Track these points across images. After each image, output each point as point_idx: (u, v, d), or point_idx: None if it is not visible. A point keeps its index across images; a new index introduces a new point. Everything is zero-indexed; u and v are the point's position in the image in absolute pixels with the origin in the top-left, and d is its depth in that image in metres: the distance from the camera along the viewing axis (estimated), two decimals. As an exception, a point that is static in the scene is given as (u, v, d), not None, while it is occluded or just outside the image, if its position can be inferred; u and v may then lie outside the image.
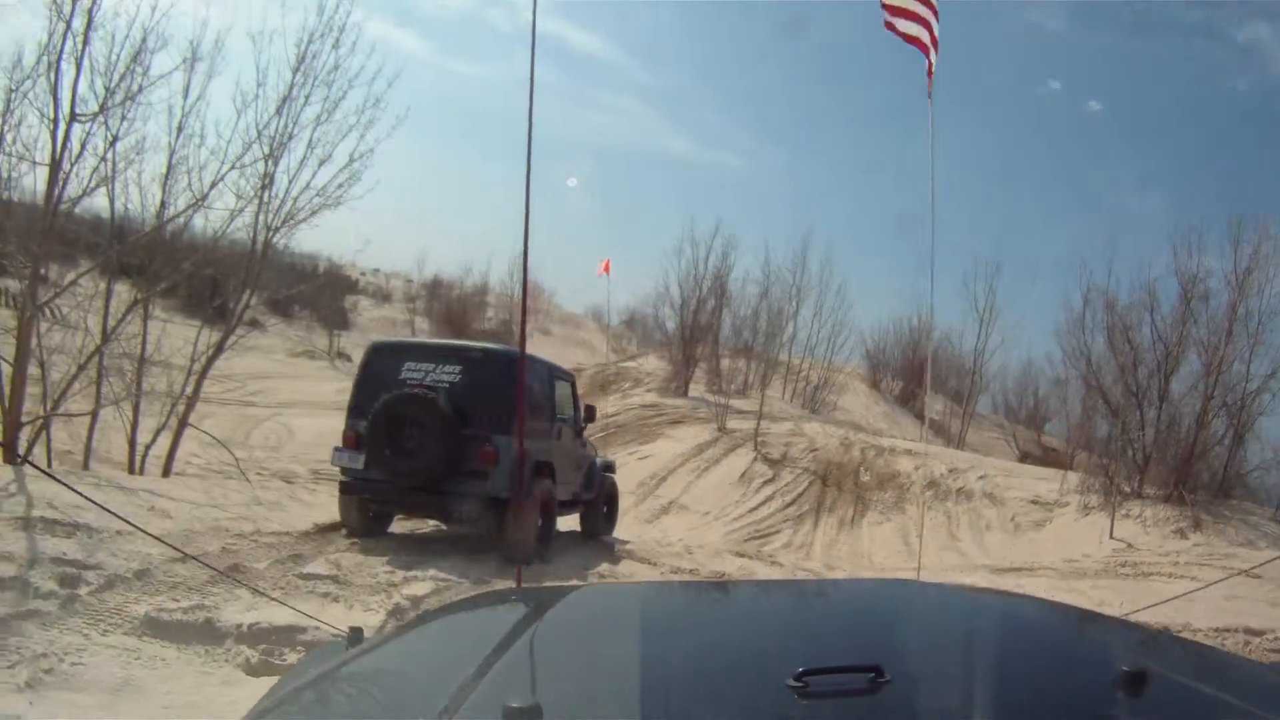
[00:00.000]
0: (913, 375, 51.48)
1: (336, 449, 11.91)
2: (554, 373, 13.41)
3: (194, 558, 8.71)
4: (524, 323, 8.05)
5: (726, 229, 54.02)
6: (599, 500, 14.85)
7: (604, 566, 12.89)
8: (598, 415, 15.86)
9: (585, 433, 14.61)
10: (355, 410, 11.78)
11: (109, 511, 7.86)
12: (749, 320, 42.53)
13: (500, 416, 11.12)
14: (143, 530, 8.12)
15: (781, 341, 43.43)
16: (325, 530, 11.85)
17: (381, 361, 11.99)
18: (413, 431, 11.08)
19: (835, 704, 1.82)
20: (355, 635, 2.83)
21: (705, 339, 42.00)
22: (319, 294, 46.37)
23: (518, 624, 2.45)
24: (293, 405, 35.24)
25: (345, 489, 11.80)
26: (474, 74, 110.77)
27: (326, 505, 13.40)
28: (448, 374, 11.47)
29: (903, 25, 10.46)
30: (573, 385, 14.14)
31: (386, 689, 2.26)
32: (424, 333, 51.03)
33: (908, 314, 53.38)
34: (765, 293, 42.54)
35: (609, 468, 15.66)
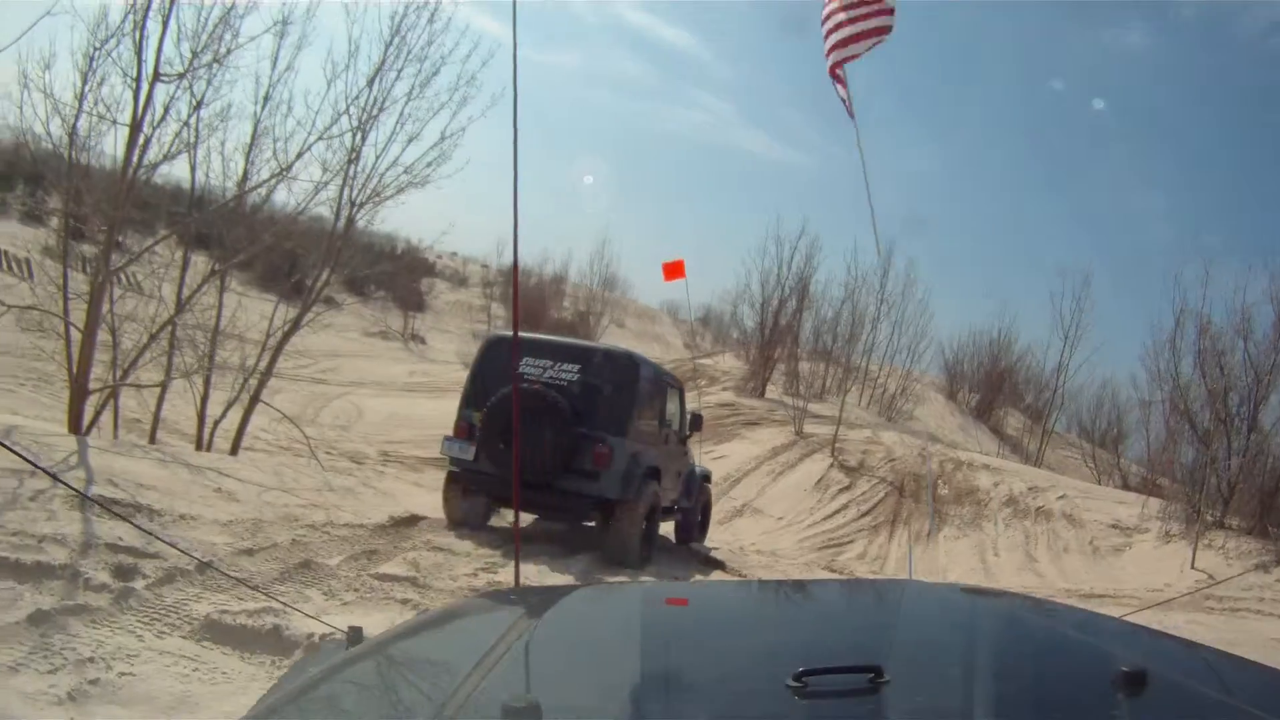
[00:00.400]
0: (991, 389, 50.79)
1: (447, 438, 11.81)
2: (664, 378, 13.21)
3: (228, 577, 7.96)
4: (516, 312, 7.41)
5: (812, 229, 52.98)
6: (695, 509, 14.52)
7: (695, 578, 12.23)
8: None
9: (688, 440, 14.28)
10: (469, 401, 11.82)
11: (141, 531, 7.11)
12: (830, 324, 41.90)
13: (616, 418, 11.26)
14: (173, 543, 7.34)
15: (863, 347, 42.67)
16: (401, 524, 11.11)
17: (499, 355, 11.79)
18: (529, 428, 10.75)
19: (835, 704, 1.79)
20: (355, 635, 2.76)
21: (785, 340, 41.19)
22: (396, 275, 46.10)
23: (518, 624, 2.43)
24: (364, 385, 35.25)
25: (453, 479, 11.74)
26: (555, 63, 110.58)
27: (402, 494, 12.88)
28: (566, 372, 11.41)
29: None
30: (681, 392, 14.03)
31: (386, 689, 2.26)
32: (500, 320, 50.82)
33: (988, 326, 52.58)
34: (851, 295, 41.71)
35: (706, 477, 15.42)
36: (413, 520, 11.27)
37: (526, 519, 12.68)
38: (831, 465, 28.15)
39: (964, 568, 21.43)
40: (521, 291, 50.97)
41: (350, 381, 34.65)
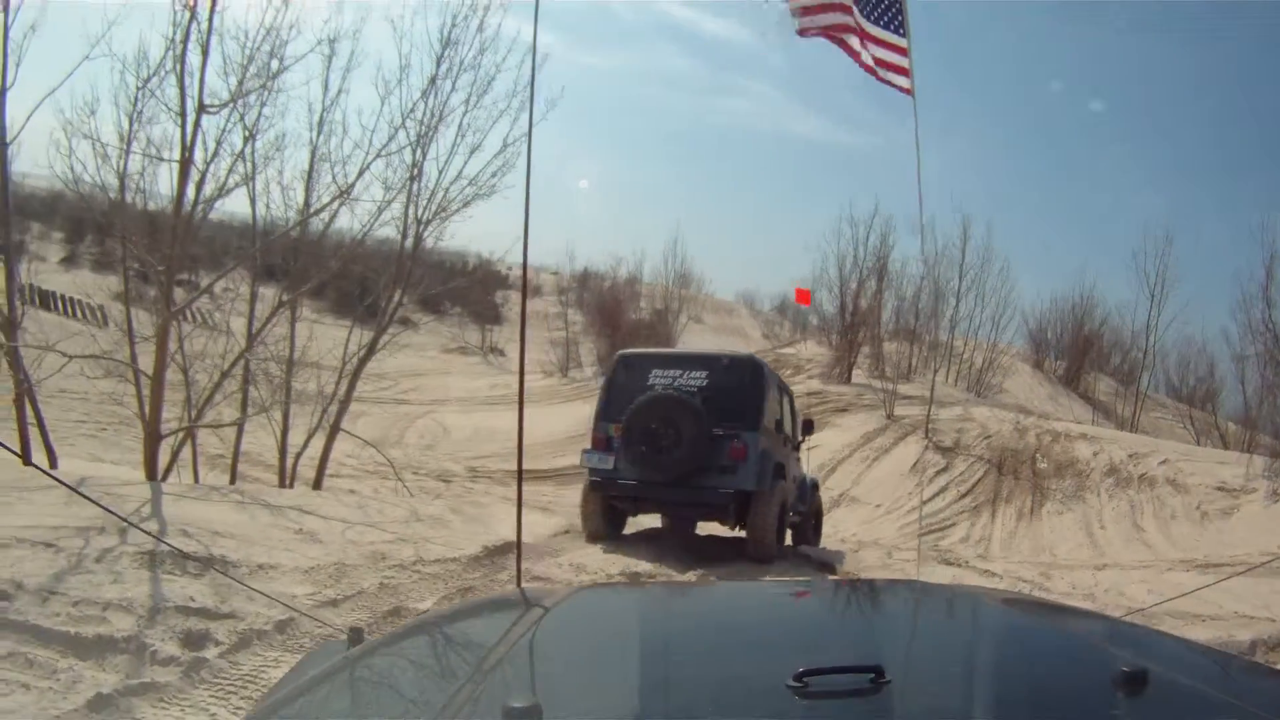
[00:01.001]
0: (1077, 355, 49.82)
1: (586, 451, 12.58)
2: (781, 385, 13.73)
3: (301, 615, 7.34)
4: (524, 310, 7.35)
5: (884, 209, 51.67)
6: (809, 515, 14.91)
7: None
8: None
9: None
10: (604, 414, 12.44)
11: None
12: (912, 302, 41.06)
13: (746, 416, 11.86)
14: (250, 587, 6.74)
15: (946, 323, 41.68)
16: (495, 553, 10.47)
17: (629, 370, 12.53)
18: (668, 430, 11.57)
19: (835, 704, 1.78)
20: (355, 635, 2.74)
21: (868, 322, 40.48)
22: (470, 290, 46.01)
23: (518, 624, 2.42)
24: (446, 402, 35.68)
25: (594, 488, 12.30)
26: (602, 65, 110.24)
27: (493, 518, 12.32)
28: (694, 379, 12.04)
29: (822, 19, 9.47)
30: (792, 398, 14.47)
31: (386, 689, 2.26)
32: (577, 325, 50.37)
33: (1070, 291, 51.20)
34: (932, 271, 40.76)
35: (815, 485, 15.77)
36: (507, 549, 10.62)
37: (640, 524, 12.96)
38: (926, 447, 27.78)
39: (1071, 544, 21.00)
40: (598, 294, 51.29)
41: (432, 400, 35.22)
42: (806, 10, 9.34)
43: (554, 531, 12.13)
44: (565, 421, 32.95)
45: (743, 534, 12.50)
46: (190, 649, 6.28)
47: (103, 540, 8.11)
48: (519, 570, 7.74)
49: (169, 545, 7.70)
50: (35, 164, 13.78)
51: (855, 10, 9.08)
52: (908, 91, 9.02)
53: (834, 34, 9.41)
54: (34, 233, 48.08)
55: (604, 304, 50.29)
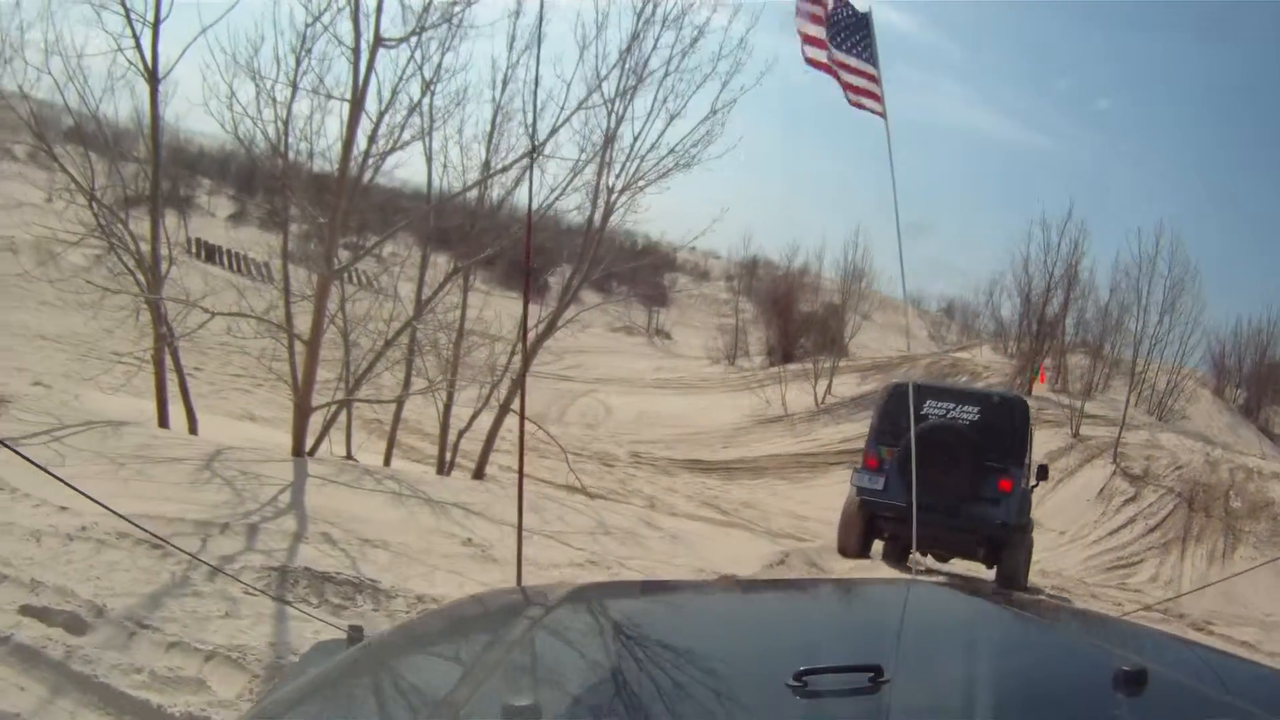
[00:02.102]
0: (1260, 384, 46.95)
1: (856, 470, 12.86)
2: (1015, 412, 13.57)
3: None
4: (524, 318, 6.77)
5: (1077, 214, 48.73)
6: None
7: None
8: None
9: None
10: (877, 438, 12.68)
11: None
12: (1100, 315, 38.54)
13: (1013, 452, 12.25)
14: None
15: (1136, 341, 38.91)
16: (706, 583, 8.62)
17: (902, 399, 12.41)
18: (944, 458, 11.60)
19: (835, 703, 1.77)
20: (355, 634, 2.64)
21: (1053, 333, 38.23)
22: (637, 270, 45.25)
23: (518, 624, 2.37)
24: (609, 382, 35.09)
25: (862, 506, 12.52)
26: (783, 51, 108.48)
27: (695, 535, 10.75)
28: (968, 413, 12.35)
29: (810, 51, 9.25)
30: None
31: (386, 689, 2.19)
32: (746, 314, 49.21)
33: (1258, 315, 47.64)
34: (1132, 282, 37.92)
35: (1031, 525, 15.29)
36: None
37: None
38: (1114, 473, 26.16)
39: (1270, 598, 18.55)
40: (770, 285, 49.98)
41: (595, 378, 34.24)
42: (810, 40, 9.10)
43: (767, 562, 10.28)
44: (733, 413, 32.43)
45: (990, 571, 12.70)
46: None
47: (224, 543, 6.52)
48: (519, 569, 6.65)
49: (298, 608, 5.92)
50: (190, 105, 13.11)
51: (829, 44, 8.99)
52: (881, 114, 8.84)
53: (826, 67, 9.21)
54: (205, 188, 48.47)
55: (776, 294, 48.58)
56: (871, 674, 1.73)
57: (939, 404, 12.51)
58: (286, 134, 12.08)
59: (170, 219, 13.23)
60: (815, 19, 8.82)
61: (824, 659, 1.77)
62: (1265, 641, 11.80)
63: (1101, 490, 25.03)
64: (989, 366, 39.03)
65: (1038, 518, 22.84)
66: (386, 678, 2.21)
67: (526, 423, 16.36)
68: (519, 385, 14.24)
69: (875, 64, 8.78)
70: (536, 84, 15.29)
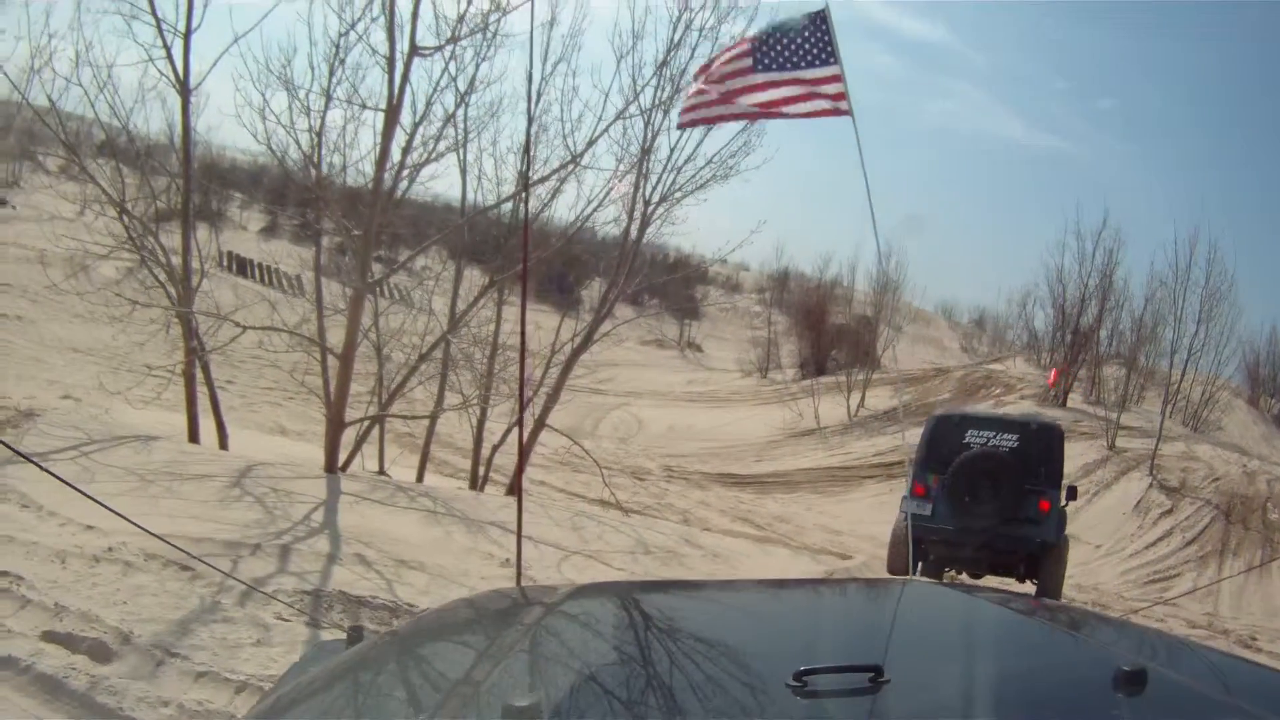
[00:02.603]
0: None
1: (905, 497, 13.26)
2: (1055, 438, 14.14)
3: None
4: (524, 323, 7.43)
5: (1113, 222, 48.22)
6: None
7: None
8: None
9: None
10: (923, 465, 13.07)
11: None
12: (1135, 325, 38.11)
13: (1050, 476, 12.69)
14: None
15: (1172, 351, 38.49)
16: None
17: (945, 428, 13.31)
18: (986, 482, 12.28)
19: (835, 703, 1.77)
20: (355, 634, 2.69)
21: (1088, 344, 37.90)
22: (669, 283, 45.49)
23: (518, 624, 2.42)
24: (641, 395, 35.06)
25: (913, 530, 12.32)
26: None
27: (733, 554, 10.50)
28: (1008, 440, 12.82)
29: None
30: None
31: (386, 689, 2.21)
32: (778, 326, 49.04)
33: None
34: (1168, 291, 37.56)
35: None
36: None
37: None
38: (1150, 485, 25.85)
39: None
40: (802, 296, 49.83)
41: (627, 392, 34.17)
42: (691, 108, 8.99)
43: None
44: (765, 426, 32.41)
45: (1030, 587, 12.97)
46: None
47: (256, 565, 6.33)
48: (519, 569, 6.67)
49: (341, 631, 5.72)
50: (221, 116, 13.03)
51: (767, 72, 8.66)
52: (847, 113, 8.57)
53: (721, 117, 9.19)
54: (237, 202, 48.69)
55: (808, 306, 48.57)
56: (871, 674, 1.75)
57: (980, 432, 13.13)
58: (320, 145, 12.01)
59: (201, 232, 13.20)
60: (707, 77, 8.76)
61: (824, 659, 1.78)
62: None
63: (1138, 503, 24.83)
64: (1023, 379, 38.74)
65: (1074, 531, 22.88)
66: (387, 678, 2.25)
67: (561, 438, 16.43)
68: (555, 398, 14.27)
69: (836, 61, 8.53)
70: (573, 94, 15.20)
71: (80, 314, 23.25)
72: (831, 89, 8.44)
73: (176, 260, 12.31)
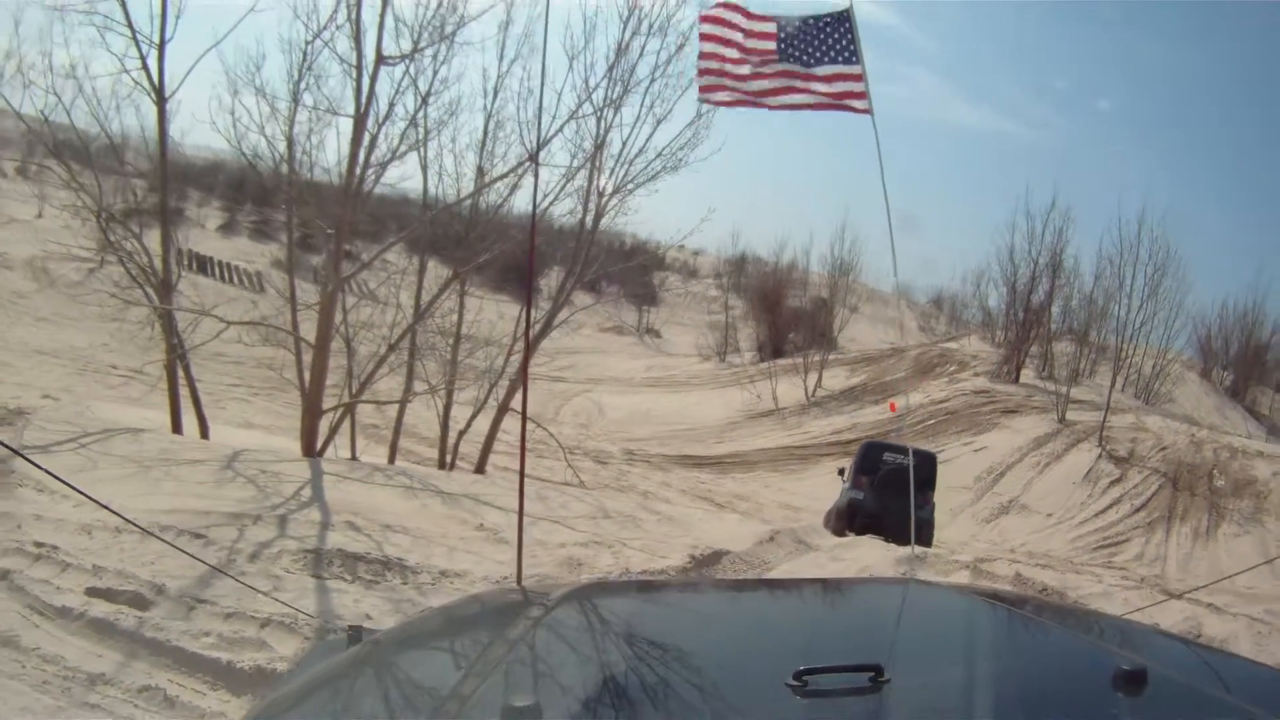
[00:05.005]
0: (1245, 366, 47.14)
1: (845, 488, 18.72)
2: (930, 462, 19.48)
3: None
4: (528, 314, 7.10)
5: (1061, 202, 49.01)
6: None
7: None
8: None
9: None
10: (857, 471, 18.59)
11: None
12: (1085, 301, 38.80)
13: (928, 482, 18.11)
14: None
15: (1119, 326, 39.25)
16: (704, 564, 9.06)
17: (872, 450, 19.10)
18: (896, 487, 16.74)
19: (835, 703, 1.80)
20: (355, 634, 2.68)
21: (1039, 321, 38.55)
22: (628, 270, 45.91)
23: (518, 624, 2.39)
24: (601, 381, 35.47)
25: (850, 505, 18.20)
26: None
27: (690, 520, 11.16)
28: (905, 460, 17.44)
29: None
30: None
31: (386, 688, 2.24)
32: (736, 310, 49.60)
33: (1243, 298, 47.80)
34: (1114, 270, 38.29)
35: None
36: (715, 557, 9.23)
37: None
38: (1100, 455, 26.78)
39: (1251, 574, 19.15)
40: (759, 280, 50.17)
41: (587, 378, 34.86)
42: (709, 89, 9.15)
43: (758, 539, 10.72)
44: (724, 409, 32.90)
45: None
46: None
47: (259, 532, 7.07)
48: (519, 569, 6.96)
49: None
50: (194, 121, 13.51)
51: (789, 63, 8.90)
52: (867, 111, 8.83)
53: (740, 102, 9.21)
54: (194, 200, 48.73)
55: (765, 290, 49.02)
56: (871, 674, 1.77)
57: (892, 455, 18.51)
58: (291, 149, 12.56)
59: (161, 230, 13.59)
60: (729, 43, 8.91)
61: (824, 659, 1.80)
62: (1234, 604, 12.09)
63: (1088, 473, 25.61)
64: (977, 356, 39.32)
65: (1026, 502, 24.35)
66: (387, 677, 2.27)
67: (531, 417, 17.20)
68: (520, 384, 14.84)
69: (858, 60, 8.81)
70: (543, 94, 15.81)
71: (45, 317, 23.61)
72: (853, 87, 8.74)
73: (156, 261, 12.80)
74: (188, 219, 45.16)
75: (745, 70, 8.72)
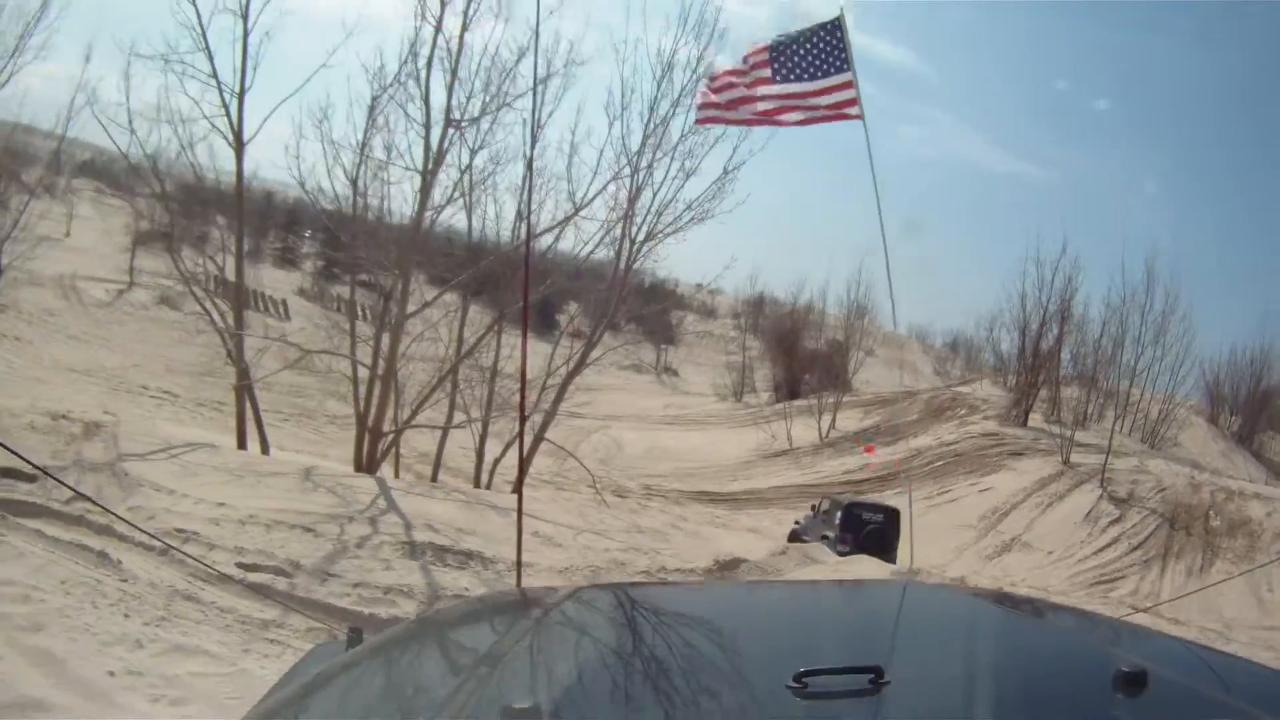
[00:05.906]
0: (1253, 411, 46.74)
1: (835, 538, 20.24)
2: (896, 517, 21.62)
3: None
4: (524, 350, 7.41)
5: (1071, 249, 49.74)
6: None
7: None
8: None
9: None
10: (844, 528, 20.64)
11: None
12: (1093, 347, 39.55)
13: (895, 527, 20.82)
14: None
15: (1125, 372, 40.09)
16: (726, 567, 10.43)
17: (854, 508, 21.40)
18: (874, 532, 20.35)
19: (835, 705, 1.78)
20: (355, 635, 2.75)
21: (1047, 366, 39.18)
22: (649, 310, 46.64)
23: (518, 624, 2.41)
24: (620, 418, 35.80)
25: (840, 540, 20.11)
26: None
27: (712, 535, 12.29)
28: (879, 516, 21.14)
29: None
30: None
31: (386, 689, 2.25)
32: (753, 351, 50.40)
33: (1250, 343, 48.16)
34: (1122, 317, 39.17)
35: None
36: (735, 563, 10.55)
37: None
38: (1101, 496, 27.19)
39: (1239, 606, 20.31)
40: (776, 322, 50.58)
41: (607, 415, 34.85)
42: (709, 105, 9.49)
43: (770, 552, 12.03)
44: (740, 448, 33.55)
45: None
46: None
47: (357, 528, 8.27)
48: (519, 570, 7.71)
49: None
50: (274, 167, 14.57)
51: (785, 83, 9.25)
52: (858, 117, 9.19)
53: (743, 120, 9.70)
54: (221, 225, 49.42)
55: (781, 331, 49.50)
56: (871, 675, 1.77)
57: (870, 514, 21.12)
58: (355, 193, 13.85)
59: (190, 255, 15.13)
60: (729, 86, 9.33)
61: (824, 660, 1.81)
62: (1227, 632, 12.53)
63: (1088, 513, 26.19)
64: (986, 400, 39.89)
65: (1029, 540, 24.91)
66: (386, 678, 2.31)
67: (548, 460, 18.27)
68: (553, 415, 16.00)
69: (849, 67, 9.09)
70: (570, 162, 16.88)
71: (75, 335, 24.37)
72: (844, 95, 9.08)
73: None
74: (213, 243, 46.12)
75: (737, 95, 9.20)
